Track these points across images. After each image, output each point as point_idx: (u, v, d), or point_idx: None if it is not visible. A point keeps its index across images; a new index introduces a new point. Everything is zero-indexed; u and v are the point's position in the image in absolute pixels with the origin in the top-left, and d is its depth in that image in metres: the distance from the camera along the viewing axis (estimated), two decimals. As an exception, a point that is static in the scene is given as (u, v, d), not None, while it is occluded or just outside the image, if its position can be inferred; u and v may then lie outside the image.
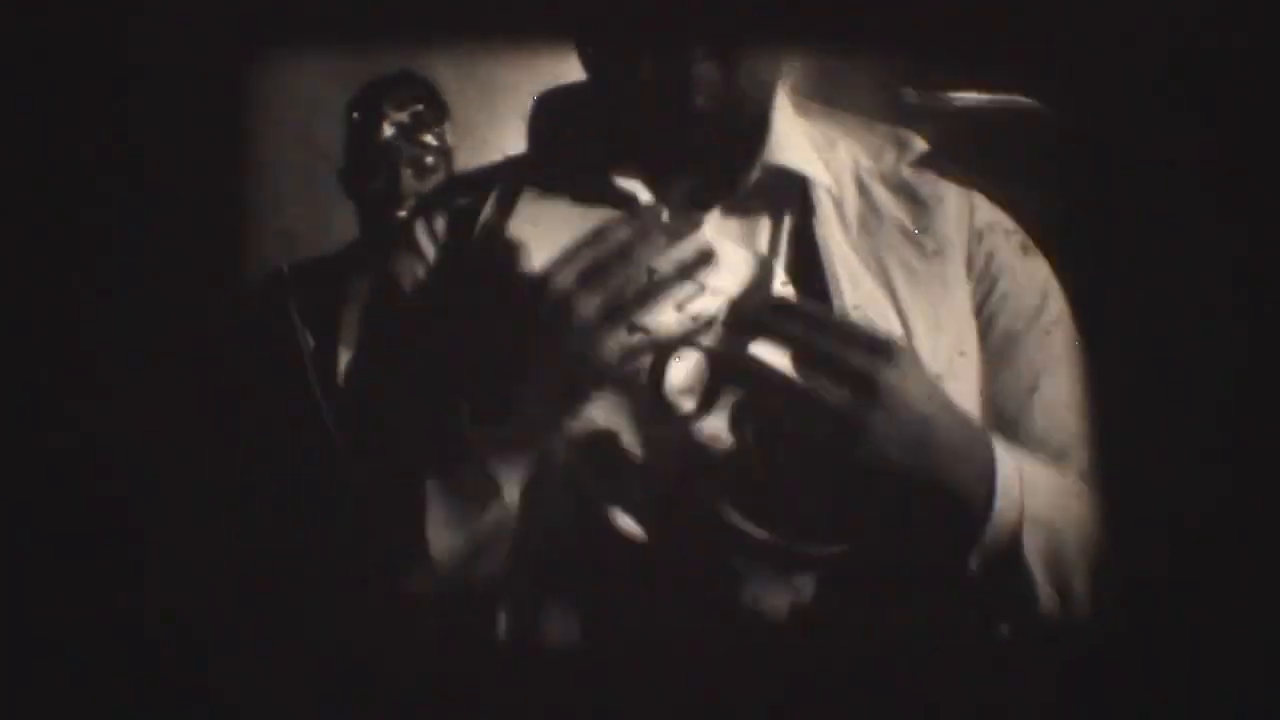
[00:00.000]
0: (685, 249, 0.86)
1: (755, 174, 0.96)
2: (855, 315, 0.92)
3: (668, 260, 0.85)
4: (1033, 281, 1.01)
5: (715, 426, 0.86)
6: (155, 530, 1.55)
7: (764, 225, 0.97)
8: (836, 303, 0.93)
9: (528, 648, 0.97)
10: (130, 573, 1.53)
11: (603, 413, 0.89)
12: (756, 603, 0.88)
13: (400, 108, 1.83)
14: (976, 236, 1.01)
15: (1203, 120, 1.47)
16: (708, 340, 0.86)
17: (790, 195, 0.97)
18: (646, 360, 0.86)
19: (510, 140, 2.33)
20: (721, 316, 0.86)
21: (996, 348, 0.97)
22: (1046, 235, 1.32)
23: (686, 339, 0.86)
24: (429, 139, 1.84)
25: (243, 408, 1.69)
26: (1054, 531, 0.89)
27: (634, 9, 1.07)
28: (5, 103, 1.52)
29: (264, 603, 1.68)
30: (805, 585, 0.89)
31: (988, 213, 1.04)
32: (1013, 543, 0.86)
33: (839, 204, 0.98)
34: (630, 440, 0.88)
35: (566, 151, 1.00)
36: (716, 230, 0.93)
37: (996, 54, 1.50)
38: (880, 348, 0.83)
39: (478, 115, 1.90)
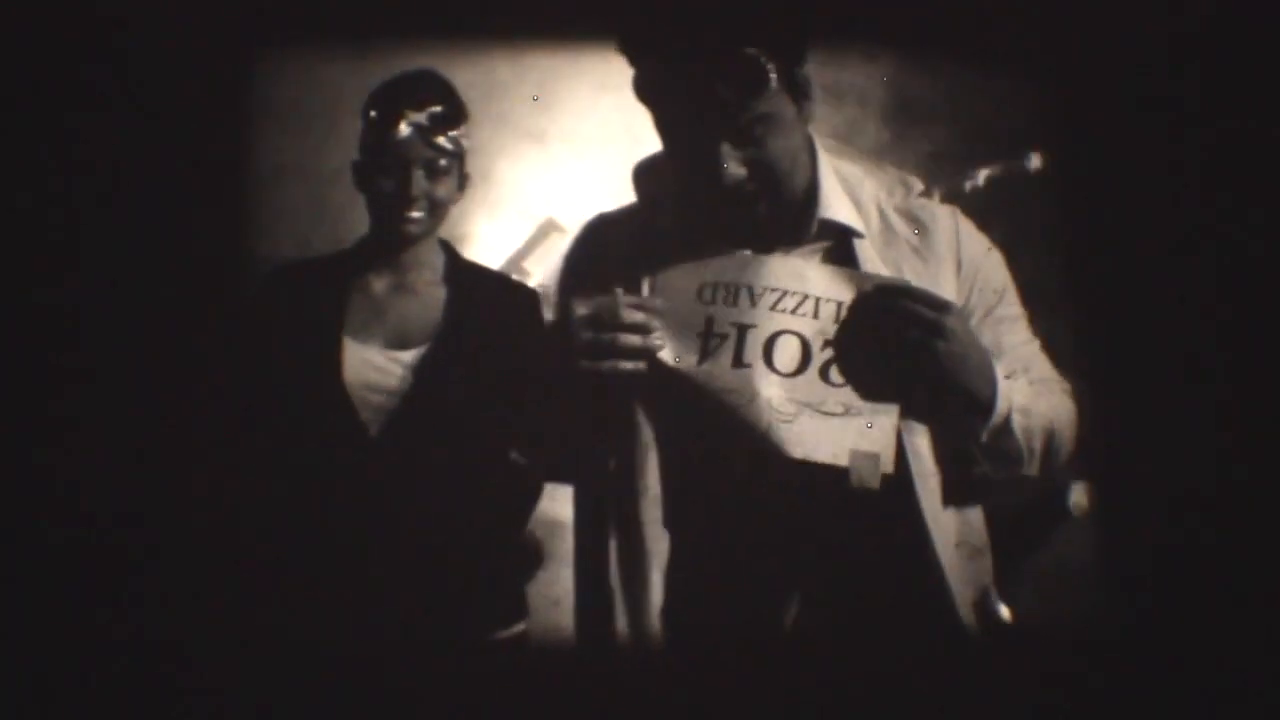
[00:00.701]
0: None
1: (813, 228, 1.46)
2: None
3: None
4: (997, 273, 1.51)
5: (808, 381, 1.39)
6: (153, 527, 1.55)
7: (816, 249, 1.47)
8: None
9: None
10: (129, 573, 1.53)
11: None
12: (860, 479, 1.37)
13: (418, 108, 1.81)
14: (960, 247, 1.49)
15: (1201, 116, 1.46)
16: (798, 324, 1.40)
17: (836, 234, 1.47)
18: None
19: (509, 139, 2.32)
20: (801, 308, 1.40)
21: (976, 323, 1.47)
22: (1046, 228, 1.34)
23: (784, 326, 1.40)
24: (443, 141, 1.82)
25: (247, 400, 1.69)
26: (1026, 413, 1.42)
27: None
28: (7, 101, 1.53)
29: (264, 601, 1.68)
30: (887, 462, 1.38)
31: (967, 228, 1.52)
32: (1006, 422, 1.41)
33: (870, 230, 1.47)
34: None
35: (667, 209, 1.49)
36: (784, 258, 1.44)
37: (997, 47, 1.49)
38: (944, 304, 1.38)
39: (480, 114, 1.89)
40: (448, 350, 1.82)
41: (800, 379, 1.37)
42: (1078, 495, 2.21)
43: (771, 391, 1.37)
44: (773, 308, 1.39)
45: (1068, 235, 1.63)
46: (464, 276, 1.91)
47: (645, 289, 1.42)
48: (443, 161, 1.82)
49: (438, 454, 1.78)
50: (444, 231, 1.93)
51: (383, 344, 1.83)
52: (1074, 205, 1.59)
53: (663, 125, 1.42)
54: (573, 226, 2.74)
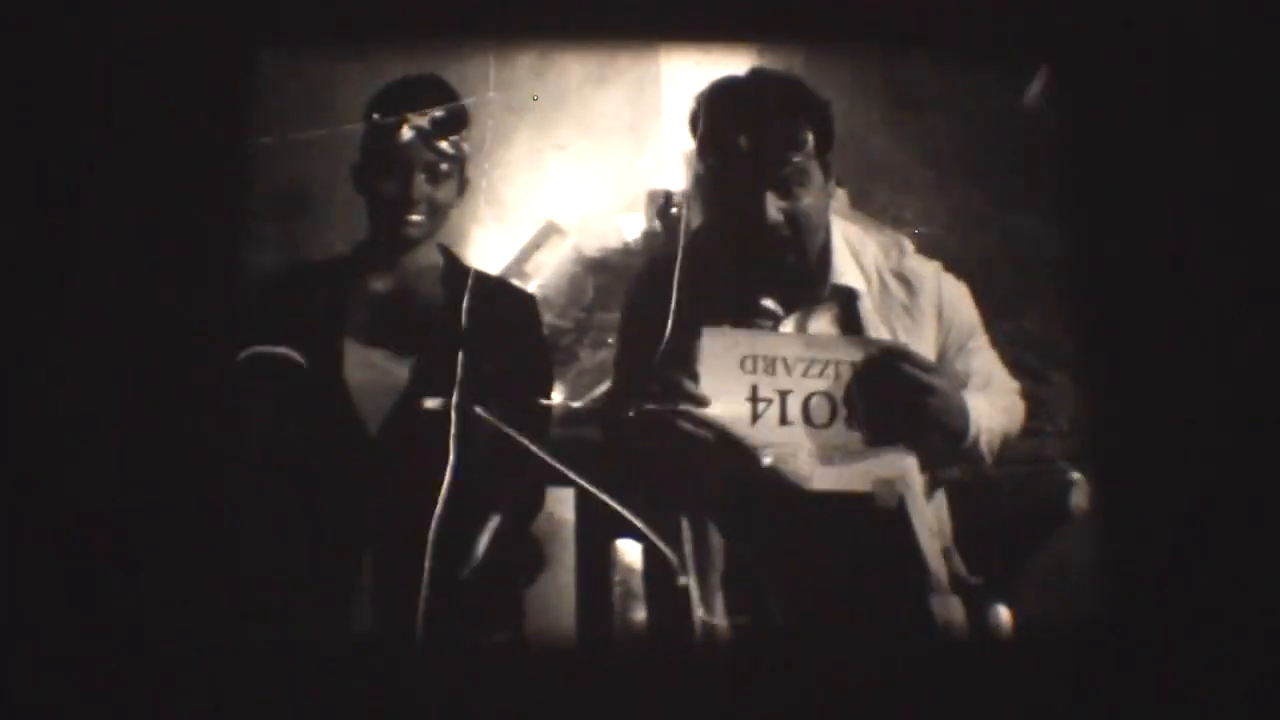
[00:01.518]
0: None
1: (826, 291, 1.83)
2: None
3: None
4: (969, 314, 1.90)
5: (838, 429, 1.76)
6: (152, 528, 1.55)
7: (828, 310, 1.85)
8: None
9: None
10: (126, 574, 1.53)
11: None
12: (882, 501, 1.75)
13: (421, 112, 1.82)
14: (941, 300, 1.86)
15: (1203, 112, 1.47)
16: (825, 385, 1.77)
17: (843, 295, 1.84)
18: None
19: (509, 142, 2.30)
20: (826, 371, 1.77)
21: (949, 360, 1.86)
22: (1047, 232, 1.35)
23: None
24: (445, 146, 1.83)
25: (242, 404, 1.70)
26: (990, 431, 1.81)
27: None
28: (5, 102, 1.53)
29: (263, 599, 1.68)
30: (900, 487, 1.77)
31: (948, 282, 1.89)
32: (975, 442, 1.80)
33: (870, 292, 1.84)
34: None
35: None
36: (806, 332, 1.84)
37: (997, 45, 1.50)
38: (932, 367, 1.76)
39: (480, 116, 1.90)
40: (447, 353, 1.82)
41: (832, 429, 1.76)
42: (1078, 496, 2.22)
43: (813, 443, 1.75)
44: (804, 374, 1.76)
45: (1068, 234, 1.63)
46: (463, 280, 1.92)
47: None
48: (444, 165, 1.83)
49: (438, 456, 1.78)
50: (443, 235, 1.94)
51: (383, 346, 1.83)
52: (1073, 204, 1.60)
53: (715, 178, 1.77)
54: (573, 230, 2.75)
